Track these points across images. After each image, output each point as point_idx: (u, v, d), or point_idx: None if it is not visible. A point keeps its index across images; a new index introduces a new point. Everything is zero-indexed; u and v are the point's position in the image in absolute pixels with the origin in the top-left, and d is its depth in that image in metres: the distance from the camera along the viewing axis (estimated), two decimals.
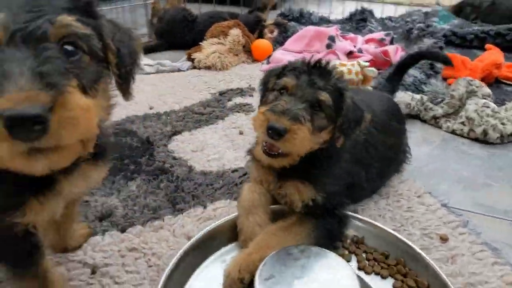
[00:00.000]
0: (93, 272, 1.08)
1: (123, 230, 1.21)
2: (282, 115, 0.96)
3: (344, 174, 1.16)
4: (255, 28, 2.79)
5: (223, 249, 1.13)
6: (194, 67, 2.44)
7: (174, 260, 1.00)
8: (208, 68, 2.39)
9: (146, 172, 1.46)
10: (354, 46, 2.58)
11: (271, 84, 1.10)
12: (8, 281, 0.90)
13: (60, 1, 0.67)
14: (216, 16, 2.78)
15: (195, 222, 1.25)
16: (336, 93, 1.05)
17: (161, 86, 2.18)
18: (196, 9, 3.01)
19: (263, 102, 1.13)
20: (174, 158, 1.55)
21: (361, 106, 1.12)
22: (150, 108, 1.92)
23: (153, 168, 1.49)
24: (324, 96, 1.02)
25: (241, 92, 2.13)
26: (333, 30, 2.57)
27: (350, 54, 2.47)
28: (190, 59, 2.47)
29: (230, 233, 1.15)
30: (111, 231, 1.20)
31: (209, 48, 2.45)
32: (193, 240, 1.07)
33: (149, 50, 2.68)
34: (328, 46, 2.46)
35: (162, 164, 1.51)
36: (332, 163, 1.13)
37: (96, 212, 1.28)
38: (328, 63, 1.09)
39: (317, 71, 1.06)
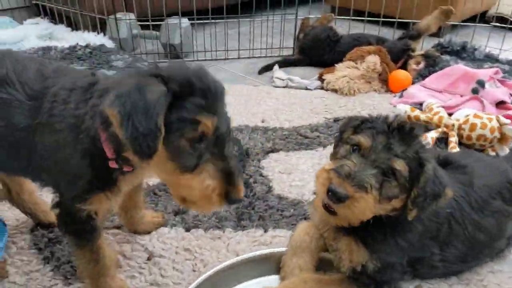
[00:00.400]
0: (148, 259, 1.23)
1: (187, 229, 1.34)
2: (346, 179, 0.91)
3: (409, 247, 1.04)
4: (400, 56, 2.62)
5: (260, 279, 1.15)
6: (322, 88, 2.44)
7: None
8: (334, 91, 2.37)
9: None
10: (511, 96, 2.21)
11: (346, 135, 1.03)
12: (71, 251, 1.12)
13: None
14: (361, 39, 2.72)
15: (250, 243, 1.29)
16: (415, 163, 0.95)
17: (282, 101, 2.26)
18: (345, 29, 3.00)
19: (333, 153, 1.07)
20: (261, 175, 1.62)
21: (444, 179, 0.99)
22: (262, 121, 2.02)
23: None
24: (400, 165, 0.93)
25: None
26: (487, 73, 2.24)
27: (500, 104, 2.13)
28: (320, 79, 2.48)
29: (275, 265, 1.17)
30: (178, 227, 1.34)
31: (341, 71, 2.42)
32: (231, 261, 1.13)
33: (289, 64, 2.79)
34: (474, 91, 2.16)
35: (248, 178, 1.59)
36: (397, 232, 1.03)
37: (175, 206, 1.43)
38: (413, 128, 0.98)
39: (398, 134, 0.96)
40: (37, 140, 0.94)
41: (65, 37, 2.89)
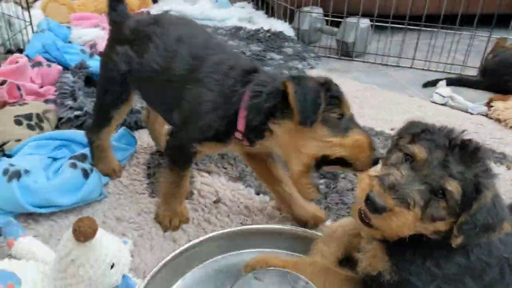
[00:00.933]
0: (215, 202, 1.41)
1: (257, 193, 1.45)
2: (389, 190, 0.82)
3: (442, 277, 0.89)
4: None
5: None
6: (486, 115, 2.11)
7: None
8: (498, 120, 2.02)
9: None
10: None
11: (402, 142, 0.93)
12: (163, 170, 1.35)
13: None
14: None
15: None
16: (472, 187, 0.83)
17: (428, 115, 2.07)
18: None
19: (386, 158, 0.97)
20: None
21: (504, 212, 0.83)
22: (391, 129, 1.91)
23: None
24: (453, 186, 0.82)
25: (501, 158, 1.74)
26: None
27: None
28: (489, 105, 2.14)
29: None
30: (251, 189, 1.47)
31: None
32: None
33: (463, 83, 2.48)
34: None
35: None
36: (432, 256, 0.90)
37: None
38: (478, 148, 0.85)
39: (459, 151, 0.85)
40: (187, 87, 1.18)
41: (259, 22, 3.31)
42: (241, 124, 1.12)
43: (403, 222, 0.82)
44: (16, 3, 2.57)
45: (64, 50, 2.05)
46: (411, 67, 2.80)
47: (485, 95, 2.32)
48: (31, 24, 2.37)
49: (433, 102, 2.27)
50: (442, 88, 2.32)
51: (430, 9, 2.69)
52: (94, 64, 2.02)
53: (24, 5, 3.19)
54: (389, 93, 2.38)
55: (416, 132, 0.92)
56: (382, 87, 2.47)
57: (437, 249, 0.90)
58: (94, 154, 1.44)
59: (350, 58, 2.92)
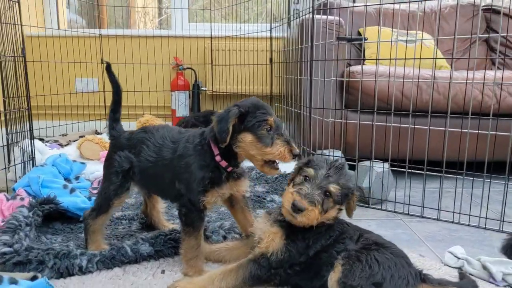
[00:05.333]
0: None
1: None
2: (304, 198, 1.40)
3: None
4: None
5: None
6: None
7: None
8: None
9: None
10: None
11: (301, 170, 1.52)
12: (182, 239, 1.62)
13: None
14: None
15: None
16: (347, 191, 1.49)
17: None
18: None
19: (292, 180, 1.56)
20: None
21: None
22: None
23: None
24: (334, 188, 1.44)
25: None
26: None
27: None
28: None
29: None
30: None
31: None
32: None
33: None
34: None
35: None
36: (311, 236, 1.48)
37: None
38: (343, 165, 1.51)
39: (334, 169, 1.47)
40: (175, 163, 1.59)
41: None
42: (214, 147, 1.56)
43: (314, 216, 1.40)
44: (39, 139, 2.86)
45: (45, 185, 2.11)
46: (437, 220, 2.36)
47: None
48: (33, 158, 2.56)
49: (445, 264, 1.79)
50: (458, 247, 1.85)
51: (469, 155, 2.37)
52: (73, 200, 2.04)
53: (63, 142, 3.56)
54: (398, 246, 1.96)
55: (307, 162, 1.54)
56: (392, 238, 2.05)
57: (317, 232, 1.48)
58: (87, 238, 1.74)
59: (367, 205, 2.59)
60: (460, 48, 4.14)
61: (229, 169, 1.58)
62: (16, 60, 2.77)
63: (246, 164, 1.69)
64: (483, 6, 4.27)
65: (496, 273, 1.65)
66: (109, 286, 1.51)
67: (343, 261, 1.38)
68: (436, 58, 3.22)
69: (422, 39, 3.64)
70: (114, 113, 1.82)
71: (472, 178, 2.29)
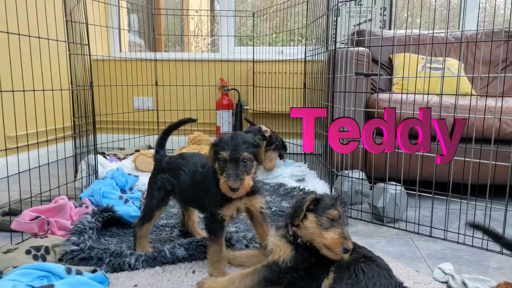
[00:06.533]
0: None
1: None
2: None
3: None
4: None
5: None
6: None
7: None
8: None
9: None
10: None
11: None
12: (208, 245, 1.96)
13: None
14: None
15: None
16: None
17: None
18: None
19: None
20: None
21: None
22: None
23: None
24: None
25: None
26: None
27: None
28: None
29: None
30: None
31: None
32: None
33: None
34: None
35: None
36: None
37: None
38: (338, 195, 1.79)
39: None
40: (203, 183, 1.96)
41: (308, 181, 3.55)
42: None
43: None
44: (100, 153, 3.41)
45: (105, 195, 2.61)
46: (444, 240, 2.58)
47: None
48: (96, 172, 3.10)
49: (434, 278, 2.04)
50: (449, 264, 2.09)
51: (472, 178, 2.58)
52: (126, 209, 2.52)
53: (121, 156, 4.12)
54: (395, 263, 2.23)
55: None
56: (393, 256, 2.33)
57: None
58: (135, 241, 2.12)
59: (381, 223, 2.85)
60: (490, 73, 4.23)
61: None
62: (85, 89, 3.34)
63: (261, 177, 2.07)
64: None
65: None
66: (150, 281, 1.92)
67: (335, 269, 1.69)
68: (459, 78, 3.40)
69: (444, 67, 3.81)
70: (162, 140, 2.21)
71: (474, 203, 2.49)
